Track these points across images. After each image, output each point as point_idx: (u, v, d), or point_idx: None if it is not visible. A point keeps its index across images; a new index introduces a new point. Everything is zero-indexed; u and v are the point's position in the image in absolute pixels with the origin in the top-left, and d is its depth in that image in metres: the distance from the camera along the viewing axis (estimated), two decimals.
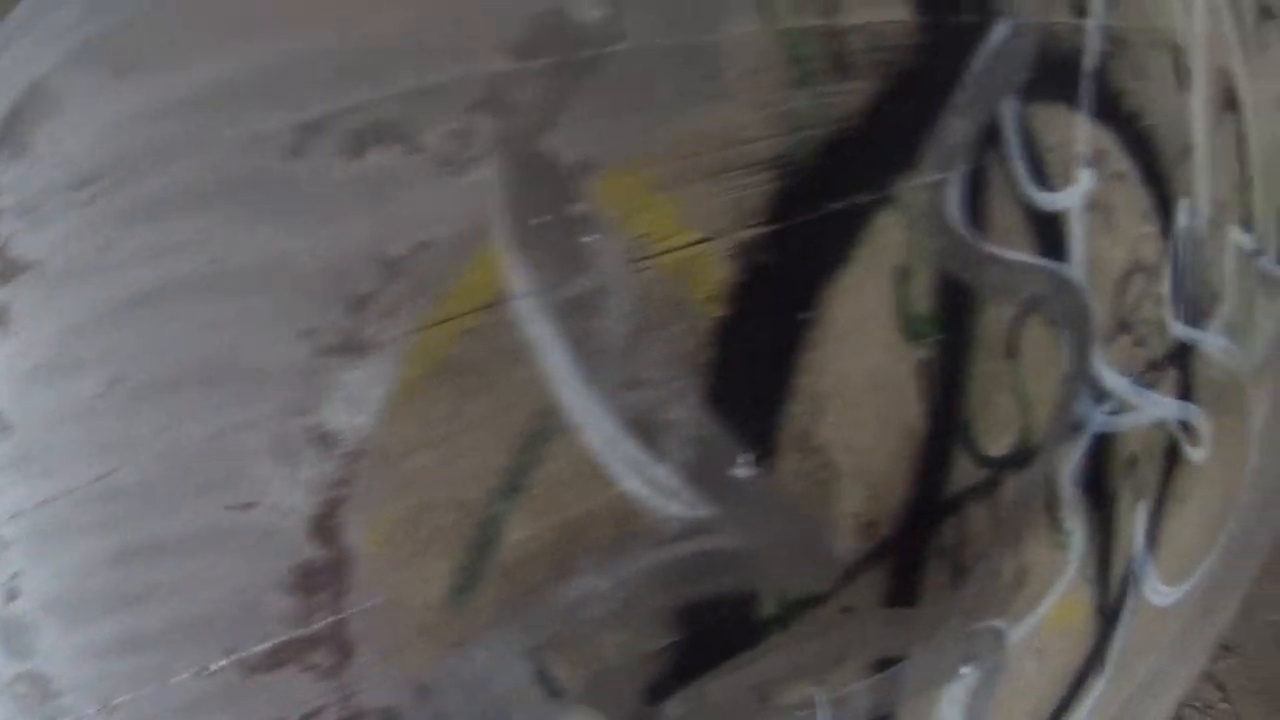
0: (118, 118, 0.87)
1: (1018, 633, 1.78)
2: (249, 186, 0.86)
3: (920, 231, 1.35)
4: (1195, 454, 2.57)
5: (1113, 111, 1.83)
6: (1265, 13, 3.24)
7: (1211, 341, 2.51)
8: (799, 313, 1.25)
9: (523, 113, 0.95)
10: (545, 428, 0.98)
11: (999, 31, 1.45)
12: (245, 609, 0.87)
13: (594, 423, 1.01)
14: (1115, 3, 1.88)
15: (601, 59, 0.99)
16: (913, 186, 1.35)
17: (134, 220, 0.86)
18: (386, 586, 0.92)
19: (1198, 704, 3.44)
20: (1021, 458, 1.58)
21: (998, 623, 1.72)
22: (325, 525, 0.88)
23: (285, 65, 0.88)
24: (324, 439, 0.88)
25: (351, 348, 0.88)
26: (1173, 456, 2.40)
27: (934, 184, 1.36)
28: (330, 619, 0.91)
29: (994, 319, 1.49)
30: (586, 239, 0.98)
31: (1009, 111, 1.48)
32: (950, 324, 1.40)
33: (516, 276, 0.94)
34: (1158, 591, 2.55)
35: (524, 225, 0.95)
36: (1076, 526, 1.86)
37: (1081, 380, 1.77)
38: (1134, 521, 2.24)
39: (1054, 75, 1.62)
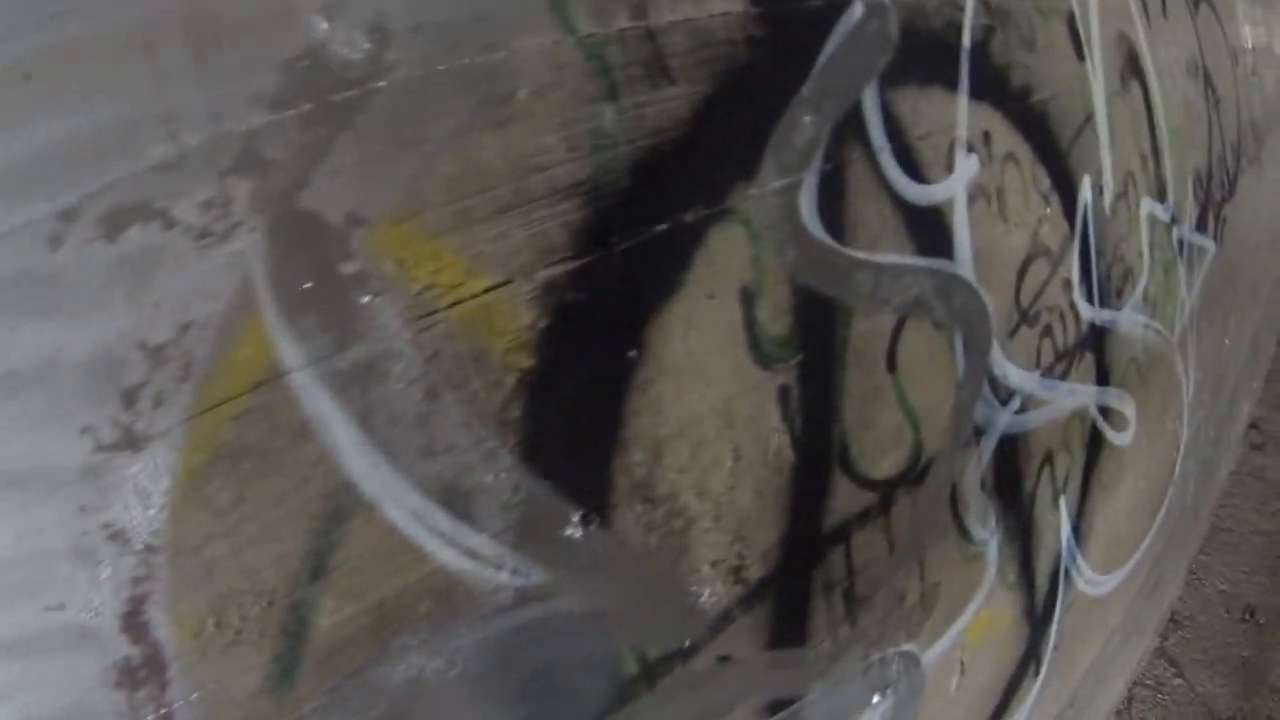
0: None
1: (934, 652, 1.66)
2: (14, 284, 0.78)
3: (768, 244, 1.21)
4: (1120, 438, 2.48)
5: (998, 89, 1.69)
6: None
7: (1128, 320, 2.40)
8: (624, 352, 1.11)
9: (281, 170, 0.85)
10: (341, 506, 0.89)
11: (853, 14, 1.31)
12: (80, 707, 0.82)
13: (395, 496, 0.92)
14: None
15: (366, 98, 0.89)
16: (756, 196, 1.21)
17: None
18: (206, 679, 0.86)
19: (1149, 682, 3.38)
20: (914, 475, 1.45)
21: (909, 647, 1.59)
22: (135, 622, 0.82)
23: (39, 153, 0.79)
24: (118, 536, 0.82)
25: (129, 442, 0.81)
26: (1095, 445, 2.30)
27: (782, 190, 1.22)
28: (158, 713, 0.84)
29: (867, 330, 1.36)
30: (362, 300, 0.88)
31: (871, 101, 1.34)
32: (812, 342, 1.25)
33: (288, 349, 0.85)
34: (1092, 582, 2.45)
35: (291, 293, 0.85)
36: (990, 535, 1.74)
37: (979, 382, 1.64)
38: (1057, 518, 2.13)
39: (925, 56, 1.48)
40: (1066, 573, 2.17)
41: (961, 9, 1.60)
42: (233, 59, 0.84)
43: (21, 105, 0.79)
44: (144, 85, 0.81)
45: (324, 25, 0.87)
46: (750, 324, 1.21)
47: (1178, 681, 3.24)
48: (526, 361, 0.98)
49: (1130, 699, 3.12)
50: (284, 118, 0.85)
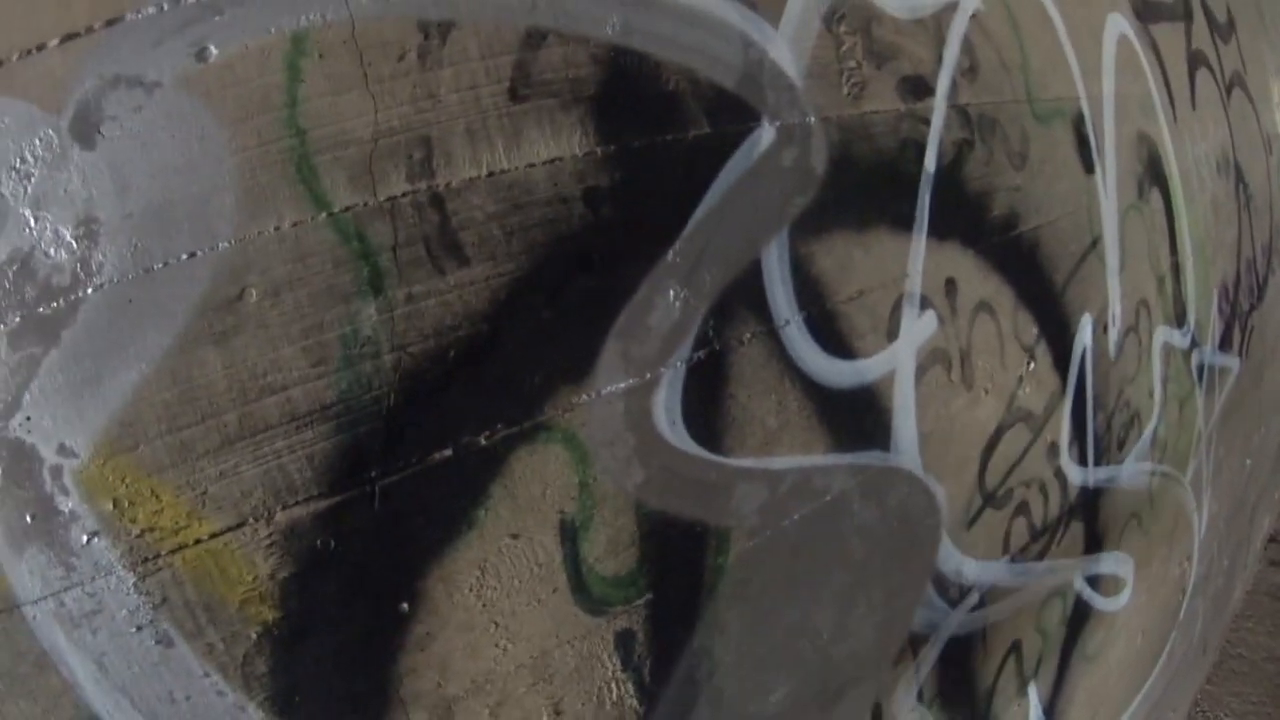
0: None
1: None
2: None
3: (603, 465, 0.84)
4: (1112, 603, 2.11)
5: (971, 222, 1.32)
6: (1196, 60, 2.75)
7: (1131, 472, 2.02)
8: (393, 606, 0.87)
9: None
10: None
11: (756, 143, 0.94)
12: None
13: None
14: (974, 71, 1.36)
15: (74, 308, 0.78)
16: (586, 404, 0.84)
17: None
18: None
19: None
20: (816, 706, 1.07)
21: None
22: None
23: None
24: None
25: None
26: (1079, 619, 1.92)
27: (628, 393, 0.85)
28: None
29: (753, 552, 0.99)
30: (81, 540, 0.79)
31: (776, 259, 0.98)
32: (668, 578, 0.91)
33: (21, 581, 0.78)
34: None
35: (16, 526, 0.78)
36: None
37: (919, 589, 1.27)
38: (1025, 705, 1.75)
39: (866, 190, 1.11)
40: None
41: (926, 122, 1.23)
42: None
43: None
44: None
45: (33, 223, 0.77)
46: (574, 564, 0.87)
47: None
48: (269, 614, 0.83)
49: None
50: None
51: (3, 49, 0.77)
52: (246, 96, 0.79)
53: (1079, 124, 1.73)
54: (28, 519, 0.78)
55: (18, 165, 0.77)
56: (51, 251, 0.78)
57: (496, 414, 0.85)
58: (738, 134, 1.00)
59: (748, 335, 1.01)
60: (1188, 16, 2.75)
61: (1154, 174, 2.15)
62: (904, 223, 1.22)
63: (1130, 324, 1.94)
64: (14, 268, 0.77)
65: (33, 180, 0.77)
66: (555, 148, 0.89)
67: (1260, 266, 3.34)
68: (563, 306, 0.87)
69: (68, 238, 0.78)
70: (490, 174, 0.86)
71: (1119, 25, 2.14)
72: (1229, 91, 3.10)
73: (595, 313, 0.90)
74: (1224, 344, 2.77)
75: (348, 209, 0.83)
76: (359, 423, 0.83)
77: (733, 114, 1.01)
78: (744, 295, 1.00)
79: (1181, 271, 2.31)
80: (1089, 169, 1.74)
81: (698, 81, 0.99)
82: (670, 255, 0.94)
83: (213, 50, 0.81)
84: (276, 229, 0.81)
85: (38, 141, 0.77)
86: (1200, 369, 2.52)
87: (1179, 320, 2.29)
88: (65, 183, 0.78)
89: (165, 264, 0.79)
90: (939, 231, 1.26)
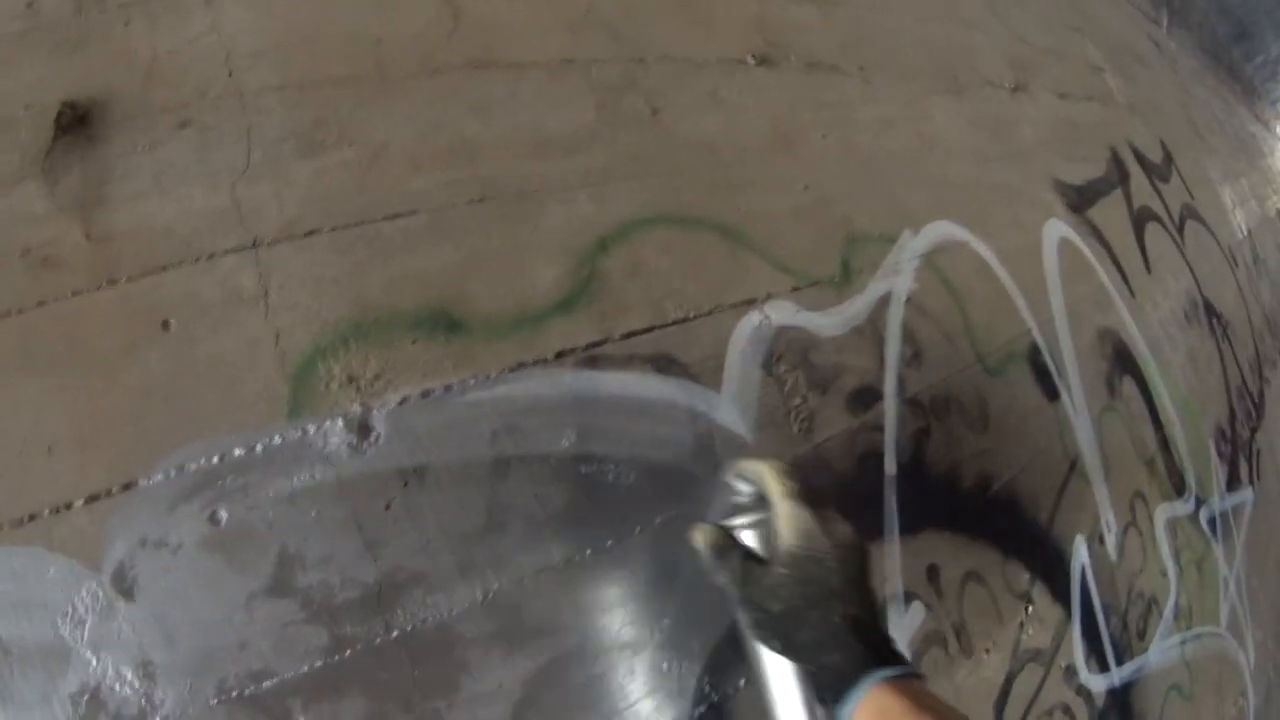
0: None
1: None
2: None
3: None
4: None
5: (943, 504, 1.39)
6: (1142, 218, 2.86)
7: (1159, 653, 2.02)
8: None
9: None
10: None
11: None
12: None
13: None
14: (918, 357, 1.47)
15: None
16: None
17: None
18: None
19: None
20: None
21: None
22: None
23: None
24: None
25: None
26: None
27: None
28: None
29: None
30: None
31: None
32: None
33: None
34: None
35: None
36: None
37: None
38: None
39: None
40: None
41: (880, 428, 1.32)
42: (26, 688, 0.84)
43: None
44: None
45: (94, 663, 0.85)
46: None
47: None
48: None
49: None
50: None
51: (34, 504, 0.87)
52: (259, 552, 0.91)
53: (1034, 356, 1.82)
54: None
55: (70, 613, 0.86)
56: (116, 687, 0.85)
57: None
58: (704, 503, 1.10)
59: (741, 683, 1.08)
60: (1123, 179, 2.88)
61: (1123, 363, 2.24)
62: (874, 533, 1.29)
63: (1127, 520, 1.99)
64: (85, 698, 0.84)
65: (87, 626, 0.86)
66: (538, 560, 0.99)
67: (1252, 386, 3.39)
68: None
69: (129, 677, 0.86)
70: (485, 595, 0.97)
71: (1057, 230, 2.26)
72: (1181, 230, 3.22)
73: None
74: (1231, 484, 2.80)
75: None
76: None
77: (691, 491, 1.11)
78: (731, 648, 1.07)
79: (1171, 442, 2.37)
80: (1053, 397, 1.83)
81: (653, 469, 1.10)
82: (657, 634, 1.02)
83: (223, 515, 0.91)
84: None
85: (85, 593, 0.86)
86: (1212, 522, 2.54)
87: (1179, 490, 2.34)
88: (118, 631, 0.86)
89: (219, 700, 0.87)
90: (911, 527, 1.34)
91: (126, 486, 0.89)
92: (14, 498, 0.87)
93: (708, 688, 1.08)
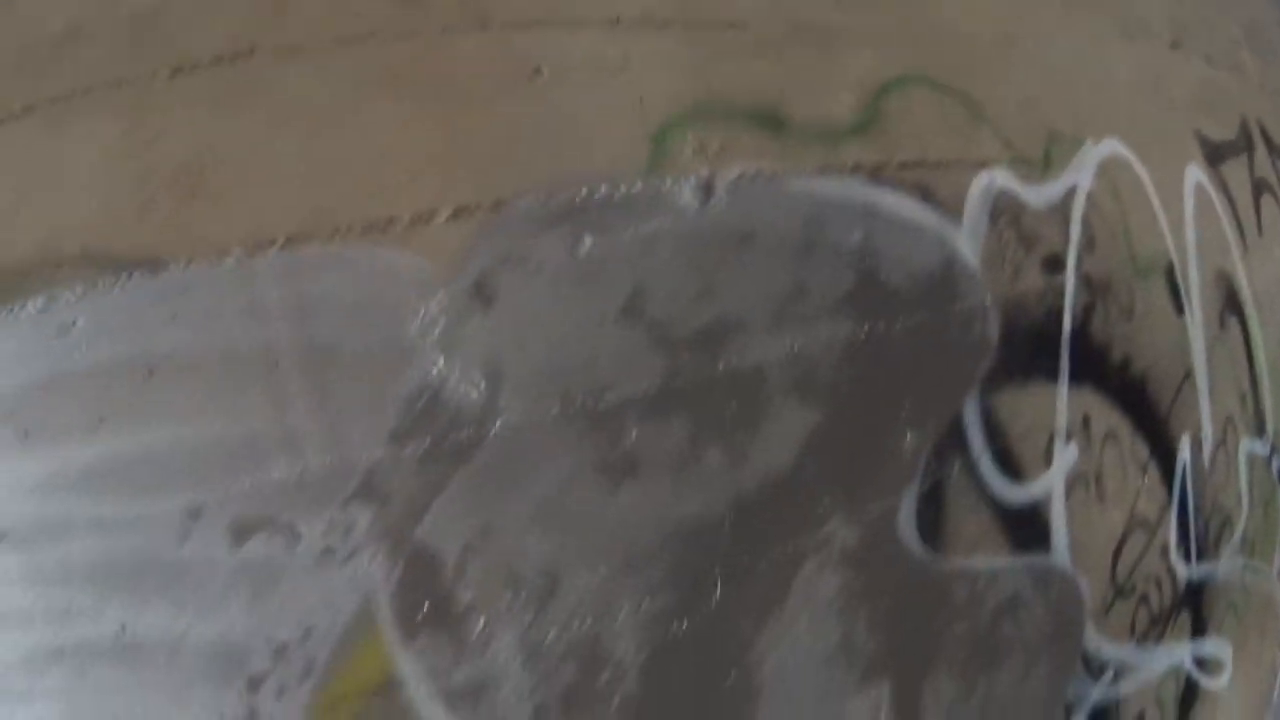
0: (20, 484, 0.86)
1: None
2: (143, 567, 0.84)
3: (863, 568, 1.17)
4: (1215, 683, 2.34)
5: (1098, 369, 1.66)
6: (1260, 188, 3.07)
7: (1226, 567, 2.29)
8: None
9: (399, 502, 0.90)
10: None
11: (951, 323, 1.29)
12: None
13: None
14: (1091, 243, 1.72)
15: (481, 440, 0.94)
16: (853, 521, 1.17)
17: (40, 582, 0.85)
18: None
19: None
20: None
21: None
22: None
23: (163, 451, 0.85)
24: None
25: None
26: (1190, 696, 2.17)
27: (879, 513, 1.19)
28: None
29: (962, 633, 1.30)
30: (477, 627, 0.93)
31: (972, 410, 1.31)
32: (904, 654, 1.21)
33: (406, 665, 0.91)
34: None
35: (409, 617, 0.91)
36: None
37: (1073, 664, 1.56)
38: None
39: (1026, 352, 1.46)
40: None
41: (1061, 293, 1.58)
42: (351, 391, 0.89)
43: (145, 402, 0.85)
44: (262, 404, 0.87)
45: (440, 362, 0.92)
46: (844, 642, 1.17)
47: None
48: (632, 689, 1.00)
49: None
50: (403, 453, 0.91)
51: (391, 209, 0.91)
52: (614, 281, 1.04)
53: (1170, 273, 2.06)
54: (424, 610, 0.90)
55: (421, 313, 0.90)
56: (462, 388, 0.91)
57: (792, 533, 1.17)
58: (940, 321, 1.36)
59: (956, 469, 1.35)
60: (1249, 148, 3.09)
61: (1231, 305, 2.48)
62: (1051, 375, 1.55)
63: (1219, 439, 2.25)
64: (423, 399, 0.90)
65: (439, 328, 0.91)
66: (828, 331, 1.24)
67: None
68: (836, 450, 1.23)
69: (478, 378, 0.92)
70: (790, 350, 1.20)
71: (1194, 175, 2.49)
72: None
73: (858, 451, 1.25)
74: None
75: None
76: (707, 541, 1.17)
77: (934, 300, 1.36)
78: (953, 439, 1.34)
79: (1259, 388, 2.61)
80: (1180, 311, 2.07)
81: (914, 272, 1.34)
82: (905, 409, 1.29)
83: (586, 244, 1.01)
84: (644, 390, 1.05)
85: (442, 296, 0.91)
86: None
87: (1259, 431, 2.59)
88: (473, 335, 0.92)
89: (561, 411, 0.96)
90: (1076, 379, 1.60)
91: (496, 205, 0.96)
92: (369, 202, 0.91)
93: (933, 465, 1.33)
